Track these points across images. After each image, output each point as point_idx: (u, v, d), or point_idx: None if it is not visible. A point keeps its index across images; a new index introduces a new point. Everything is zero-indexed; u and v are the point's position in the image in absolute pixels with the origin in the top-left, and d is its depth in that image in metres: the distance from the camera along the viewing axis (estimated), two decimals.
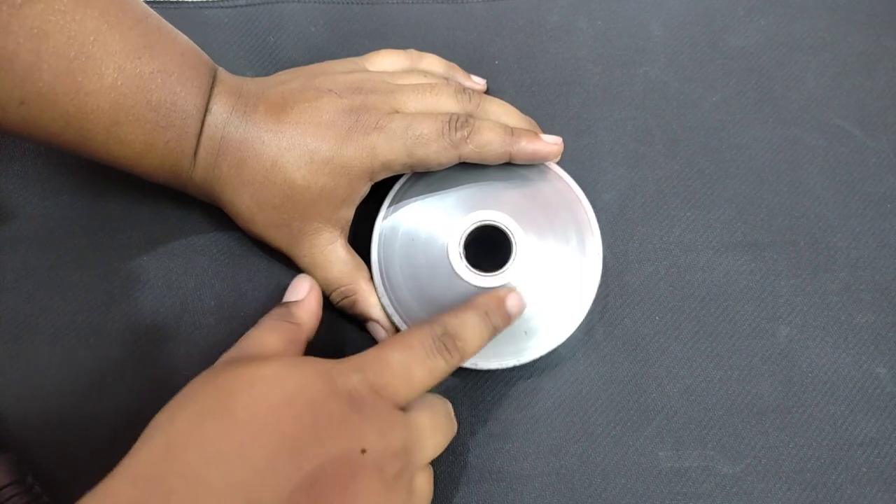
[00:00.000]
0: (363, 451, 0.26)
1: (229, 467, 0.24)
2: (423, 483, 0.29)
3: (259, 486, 0.24)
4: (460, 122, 0.34)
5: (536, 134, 0.36)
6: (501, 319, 0.33)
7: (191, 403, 0.27)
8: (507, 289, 0.35)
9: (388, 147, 0.33)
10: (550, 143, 0.36)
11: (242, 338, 0.31)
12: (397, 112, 0.34)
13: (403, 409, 0.29)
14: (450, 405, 0.32)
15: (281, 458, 0.25)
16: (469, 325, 0.31)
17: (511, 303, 0.34)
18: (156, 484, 0.24)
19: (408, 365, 0.29)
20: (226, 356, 0.30)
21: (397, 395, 0.29)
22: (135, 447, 0.25)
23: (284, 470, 0.25)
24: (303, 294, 0.34)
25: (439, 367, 0.30)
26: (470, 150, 0.34)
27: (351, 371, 0.28)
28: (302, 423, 0.26)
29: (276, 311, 0.33)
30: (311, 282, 0.34)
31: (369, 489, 0.26)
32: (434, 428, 0.30)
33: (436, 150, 0.34)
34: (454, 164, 0.35)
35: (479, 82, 0.41)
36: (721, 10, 0.45)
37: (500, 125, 0.35)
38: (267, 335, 0.31)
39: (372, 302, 0.35)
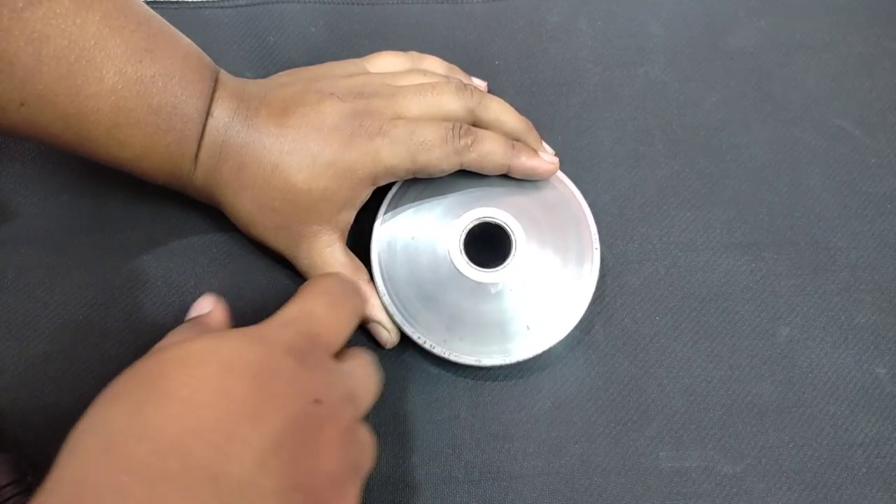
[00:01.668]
0: (317, 402, 0.25)
1: (185, 450, 0.22)
2: (366, 435, 0.28)
3: (224, 461, 0.22)
4: (464, 130, 0.34)
5: (535, 152, 0.37)
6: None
7: (120, 398, 0.24)
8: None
9: (392, 152, 0.33)
10: (547, 162, 0.37)
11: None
12: (400, 117, 0.34)
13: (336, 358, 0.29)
14: (372, 354, 0.31)
15: (239, 427, 0.23)
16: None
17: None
18: (102, 489, 0.21)
19: (332, 309, 0.29)
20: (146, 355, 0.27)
21: (330, 343, 0.28)
22: (59, 459, 0.22)
23: (246, 438, 0.23)
24: (208, 308, 0.31)
25: (358, 306, 0.30)
26: (472, 158, 0.35)
27: (281, 327, 0.27)
28: (249, 386, 0.24)
29: (181, 326, 0.30)
30: (215, 298, 0.32)
31: (333, 440, 0.25)
32: (367, 376, 0.29)
33: (439, 156, 0.34)
34: (455, 170, 0.35)
35: (479, 85, 0.41)
36: (721, 11, 0.45)
37: (502, 137, 0.36)
38: (178, 333, 0.29)
39: (373, 303, 0.35)
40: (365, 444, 0.28)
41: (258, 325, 0.27)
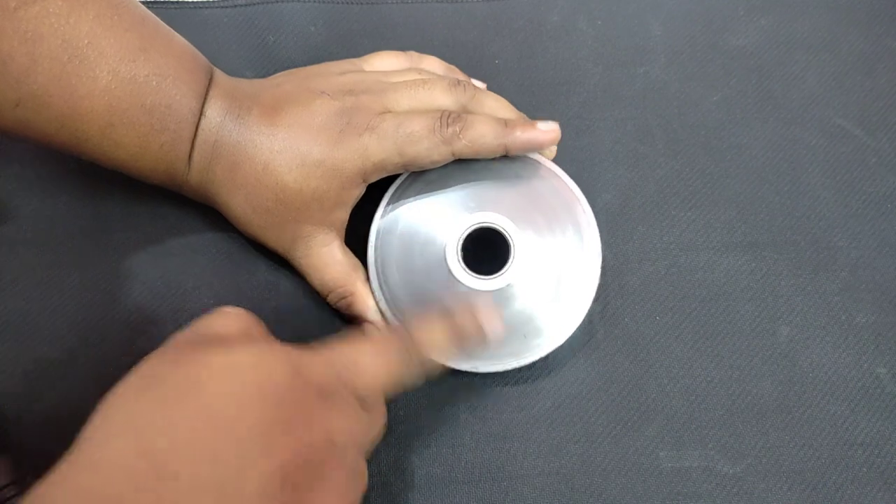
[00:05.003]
0: (330, 441, 0.26)
1: (199, 462, 0.24)
2: (363, 464, 0.29)
3: (230, 480, 0.24)
4: (452, 118, 0.33)
5: (532, 123, 0.35)
6: (475, 334, 0.32)
7: (156, 387, 0.25)
8: (487, 309, 0.33)
9: (379, 147, 0.33)
10: (546, 131, 0.35)
11: (200, 319, 0.29)
12: (389, 111, 0.34)
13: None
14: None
15: (252, 451, 0.24)
16: (436, 338, 0.31)
17: (485, 320, 0.32)
18: (123, 473, 0.23)
19: (377, 372, 0.29)
20: (183, 335, 0.28)
21: (359, 391, 0.29)
22: (92, 428, 0.24)
23: (255, 462, 0.24)
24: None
25: (403, 377, 0.30)
26: (463, 146, 0.34)
27: (323, 364, 0.28)
28: (272, 413, 0.25)
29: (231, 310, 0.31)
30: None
31: (337, 478, 0.26)
32: (381, 428, 0.30)
33: (427, 147, 0.33)
34: (448, 161, 0.34)
35: (479, 85, 0.41)
36: (721, 10, 0.45)
37: (493, 118, 0.35)
38: (224, 319, 0.29)
39: (369, 304, 0.35)
40: (362, 477, 0.29)
41: (307, 349, 0.28)
